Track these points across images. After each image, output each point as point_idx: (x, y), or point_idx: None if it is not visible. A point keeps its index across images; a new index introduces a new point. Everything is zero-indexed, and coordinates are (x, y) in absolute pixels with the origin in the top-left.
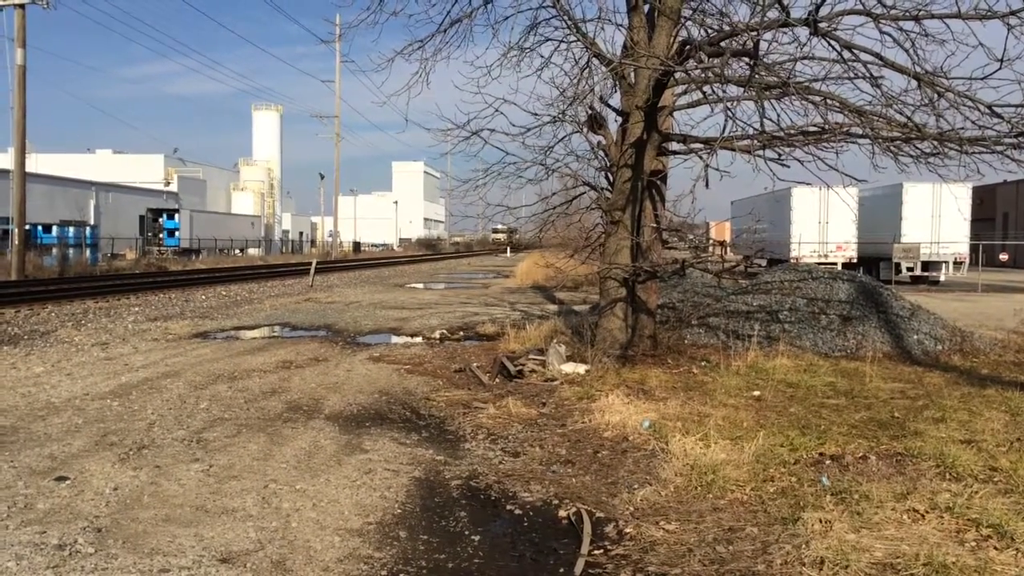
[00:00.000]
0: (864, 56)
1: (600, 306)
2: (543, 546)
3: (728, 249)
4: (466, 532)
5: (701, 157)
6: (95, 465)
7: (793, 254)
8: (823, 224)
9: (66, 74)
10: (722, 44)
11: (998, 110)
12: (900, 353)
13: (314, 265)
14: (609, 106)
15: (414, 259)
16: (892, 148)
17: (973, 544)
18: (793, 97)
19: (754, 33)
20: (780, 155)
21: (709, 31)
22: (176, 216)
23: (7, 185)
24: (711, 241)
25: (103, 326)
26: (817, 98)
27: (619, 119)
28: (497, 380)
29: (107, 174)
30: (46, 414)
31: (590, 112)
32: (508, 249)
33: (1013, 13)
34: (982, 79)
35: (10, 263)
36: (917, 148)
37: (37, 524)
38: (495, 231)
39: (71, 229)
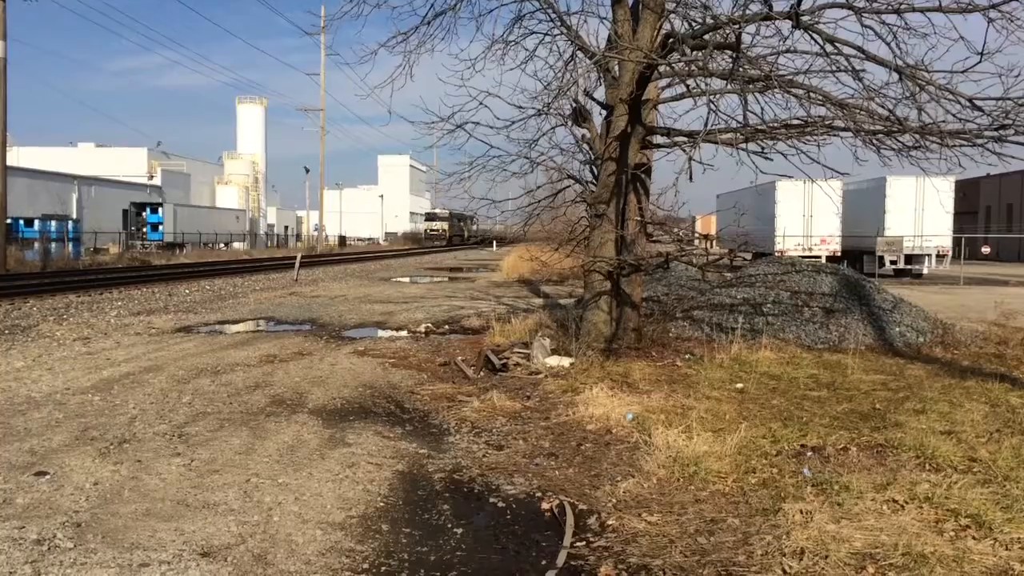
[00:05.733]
0: (846, 49)
1: (585, 299)
2: (526, 538)
3: (714, 242)
4: (449, 525)
5: (684, 150)
6: (75, 460)
7: (778, 247)
8: (807, 218)
9: (48, 67)
10: (705, 37)
11: (979, 103)
12: (882, 345)
13: (299, 259)
14: (594, 99)
15: (400, 253)
16: (874, 141)
17: (952, 534)
18: (776, 90)
19: (736, 26)
20: (763, 148)
21: (692, 24)
22: (160, 210)
23: None
24: (696, 234)
25: (85, 320)
26: (800, 91)
27: (603, 112)
28: (482, 374)
29: (89, 168)
30: (26, 409)
31: (574, 105)
32: (495, 243)
33: (994, 6)
34: (963, 72)
35: None
36: (899, 141)
37: (16, 519)
38: (430, 216)
39: (53, 223)
